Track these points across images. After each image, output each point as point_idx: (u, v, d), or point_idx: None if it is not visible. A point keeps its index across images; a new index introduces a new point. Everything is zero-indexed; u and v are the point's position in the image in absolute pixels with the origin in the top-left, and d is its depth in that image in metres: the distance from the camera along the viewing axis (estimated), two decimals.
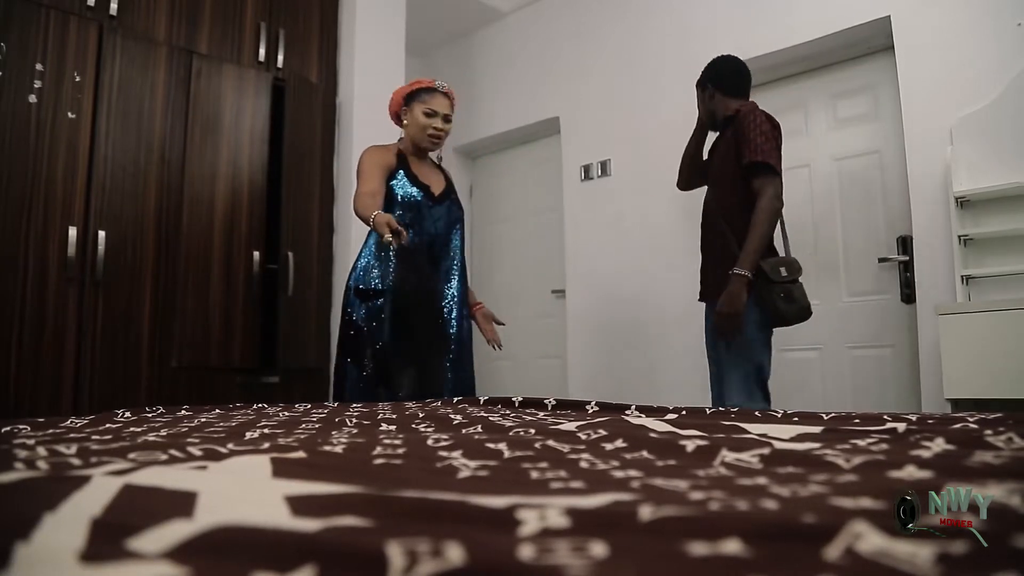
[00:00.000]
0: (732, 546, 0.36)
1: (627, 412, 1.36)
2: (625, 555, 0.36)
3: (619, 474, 0.65)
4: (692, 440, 0.84)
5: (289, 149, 3.17)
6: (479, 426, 1.14)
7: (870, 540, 0.36)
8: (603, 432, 0.96)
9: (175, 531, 0.40)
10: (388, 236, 1.94)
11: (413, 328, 2.33)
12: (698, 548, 0.36)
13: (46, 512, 0.43)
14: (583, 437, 0.94)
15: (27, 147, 2.50)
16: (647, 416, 1.28)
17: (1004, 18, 2.53)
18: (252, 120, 3.13)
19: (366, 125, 3.37)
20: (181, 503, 0.48)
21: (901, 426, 0.96)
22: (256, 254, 3.07)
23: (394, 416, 1.36)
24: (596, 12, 3.82)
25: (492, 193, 4.46)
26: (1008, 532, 0.37)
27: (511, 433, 1.01)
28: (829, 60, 3.11)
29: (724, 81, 2.42)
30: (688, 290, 2.79)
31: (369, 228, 2.41)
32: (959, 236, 2.49)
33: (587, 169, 3.78)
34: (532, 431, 1.03)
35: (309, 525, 0.41)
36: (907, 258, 2.80)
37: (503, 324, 2.64)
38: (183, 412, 1.57)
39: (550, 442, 0.87)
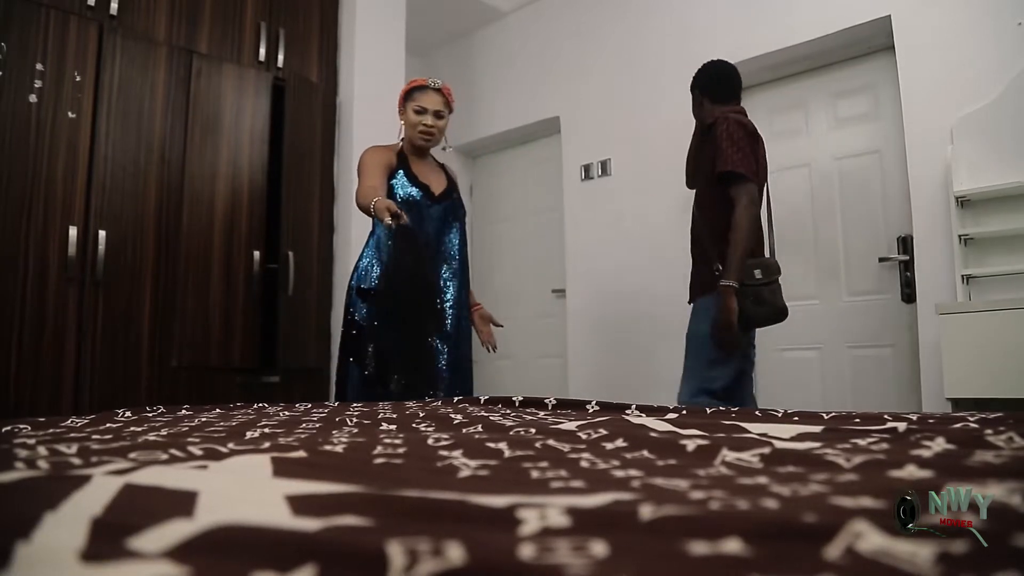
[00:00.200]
0: (732, 545, 0.36)
1: (627, 412, 1.36)
2: (626, 554, 0.36)
3: (619, 473, 0.65)
4: (692, 439, 0.84)
5: (289, 149, 3.17)
6: (479, 425, 1.14)
7: (870, 539, 0.36)
8: (603, 431, 0.96)
9: (175, 530, 0.40)
10: (388, 220, 1.95)
11: (413, 327, 2.33)
12: (699, 547, 0.36)
13: (47, 511, 0.43)
14: (583, 436, 0.94)
15: (27, 147, 2.50)
16: (647, 415, 1.28)
17: (1004, 18, 2.53)
18: (252, 120, 3.13)
19: (366, 125, 3.37)
20: (181, 502, 0.48)
21: (901, 425, 0.96)
22: (256, 254, 3.07)
23: (394, 416, 1.36)
24: (596, 12, 3.82)
25: (492, 193, 4.46)
26: (1008, 531, 0.37)
27: (511, 432, 1.01)
28: (829, 60, 3.11)
29: (708, 88, 2.46)
30: (688, 290, 2.79)
31: (371, 231, 2.42)
32: (959, 235, 2.49)
33: (587, 169, 3.78)
34: (532, 430, 1.03)
35: (309, 524, 0.41)
36: (907, 257, 2.80)
37: (501, 326, 2.64)
38: (183, 412, 1.57)
39: (550, 441, 0.87)
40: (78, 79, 2.63)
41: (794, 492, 0.51)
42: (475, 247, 4.38)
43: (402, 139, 2.46)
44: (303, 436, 1.00)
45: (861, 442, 0.83)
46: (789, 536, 0.38)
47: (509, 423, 1.16)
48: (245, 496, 0.53)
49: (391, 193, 2.33)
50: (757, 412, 1.29)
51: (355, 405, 1.73)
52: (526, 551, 0.36)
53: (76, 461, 0.69)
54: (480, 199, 4.50)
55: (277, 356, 3.02)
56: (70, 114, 2.60)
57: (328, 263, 3.34)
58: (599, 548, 0.36)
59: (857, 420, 1.07)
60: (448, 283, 2.43)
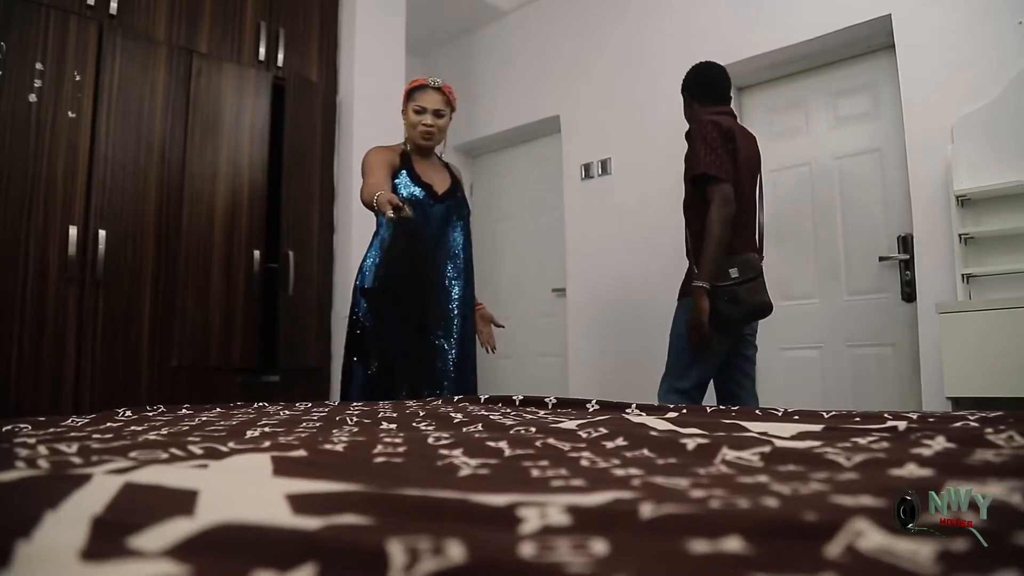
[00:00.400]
0: (733, 544, 0.36)
1: (628, 410, 1.36)
2: (626, 553, 0.36)
3: (620, 472, 0.65)
4: (693, 438, 0.84)
5: (289, 148, 3.17)
6: (480, 424, 1.14)
7: (871, 538, 0.36)
8: (604, 430, 0.96)
9: (176, 529, 0.40)
10: (390, 213, 1.95)
11: (417, 327, 2.33)
12: (699, 546, 0.36)
13: (47, 510, 0.43)
14: (584, 435, 0.94)
15: (27, 146, 2.50)
16: (648, 414, 1.28)
17: (1005, 17, 2.53)
18: (252, 119, 3.13)
19: (366, 124, 3.37)
20: (182, 501, 0.48)
21: (902, 424, 0.96)
22: (256, 253, 3.07)
23: (394, 415, 1.36)
24: (596, 11, 3.82)
25: (493, 192, 4.46)
26: (1009, 530, 0.37)
27: (512, 431, 1.01)
28: (830, 59, 3.11)
29: (694, 90, 2.48)
30: None
31: (375, 231, 2.42)
32: (960, 234, 2.49)
33: (587, 168, 3.78)
34: (533, 429, 1.03)
35: (310, 523, 0.41)
36: (908, 256, 2.80)
37: (502, 327, 2.64)
38: (184, 411, 1.57)
39: (551, 440, 0.87)
40: (78, 79, 2.63)
41: (794, 491, 0.51)
42: (475, 246, 4.34)
43: (406, 139, 2.46)
44: (303, 435, 1.00)
45: (861, 441, 0.83)
46: (789, 534, 0.38)
47: (509, 422, 1.16)
48: (245, 495, 0.53)
49: (394, 193, 2.33)
50: (757, 411, 1.29)
51: (355, 404, 1.73)
52: (526, 549, 0.36)
53: (76, 460, 0.69)
54: (480, 198, 4.49)
55: (277, 356, 3.02)
56: (70, 114, 2.60)
57: (328, 262, 3.34)
58: (599, 546, 0.36)
59: (857, 419, 1.07)
60: (453, 282, 2.43)
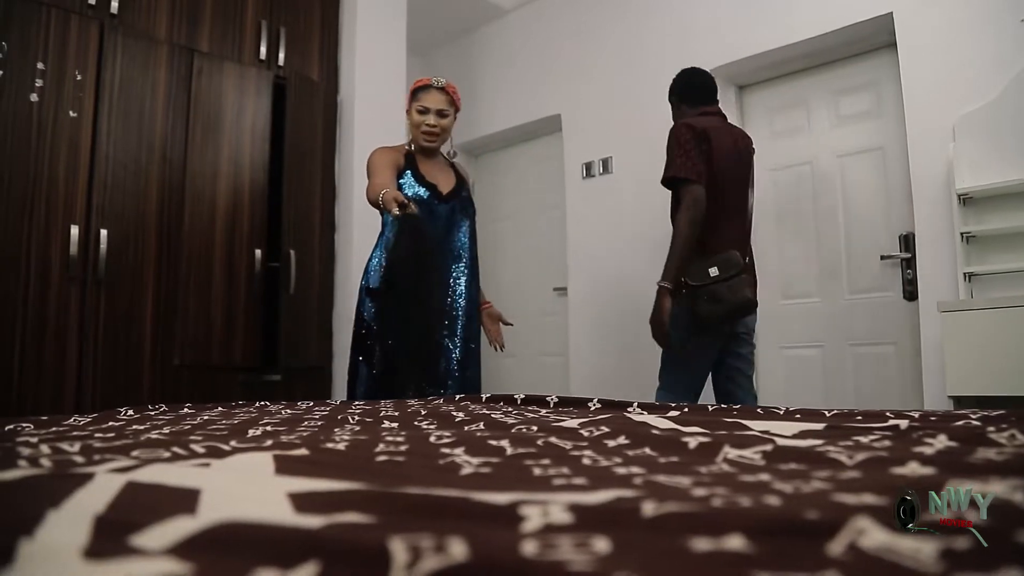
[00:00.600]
0: (735, 542, 0.36)
1: (629, 409, 1.36)
2: (628, 551, 0.36)
3: (622, 471, 0.65)
4: (694, 437, 0.83)
5: (290, 147, 3.17)
6: (481, 423, 1.14)
7: (873, 536, 0.36)
8: (605, 429, 0.96)
9: (178, 528, 0.40)
10: (396, 210, 1.96)
11: (422, 326, 2.32)
12: (701, 544, 0.36)
13: (50, 509, 0.43)
14: (585, 434, 0.94)
15: (28, 146, 2.50)
16: (649, 413, 1.28)
17: (1007, 15, 2.52)
18: (253, 118, 3.13)
19: (367, 123, 3.37)
20: (184, 500, 0.48)
21: (903, 423, 0.96)
22: (258, 252, 3.07)
23: (396, 413, 1.36)
24: (597, 10, 3.82)
25: (494, 191, 4.46)
26: (1011, 528, 0.37)
27: (513, 430, 1.01)
28: (831, 57, 3.10)
29: (679, 95, 2.50)
30: None
31: (380, 231, 2.42)
32: (961, 233, 2.49)
33: (589, 167, 3.78)
34: (534, 428, 1.03)
35: (312, 522, 0.41)
36: (909, 255, 2.79)
37: (511, 324, 2.63)
38: (186, 410, 1.57)
39: (552, 439, 0.87)
40: (79, 78, 2.63)
41: (796, 489, 0.51)
42: (477, 245, 4.38)
43: (410, 139, 2.46)
44: (305, 434, 1.00)
45: (863, 439, 0.83)
46: (792, 533, 0.38)
47: (511, 421, 1.16)
48: (247, 493, 0.53)
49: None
50: (759, 410, 1.29)
51: (357, 403, 1.73)
52: (529, 548, 0.36)
53: (79, 459, 0.69)
54: (481, 197, 4.48)
55: (279, 355, 3.02)
56: (71, 113, 2.61)
57: (329, 262, 3.35)
58: (601, 545, 0.36)
59: (859, 418, 1.07)
60: (458, 281, 2.43)
